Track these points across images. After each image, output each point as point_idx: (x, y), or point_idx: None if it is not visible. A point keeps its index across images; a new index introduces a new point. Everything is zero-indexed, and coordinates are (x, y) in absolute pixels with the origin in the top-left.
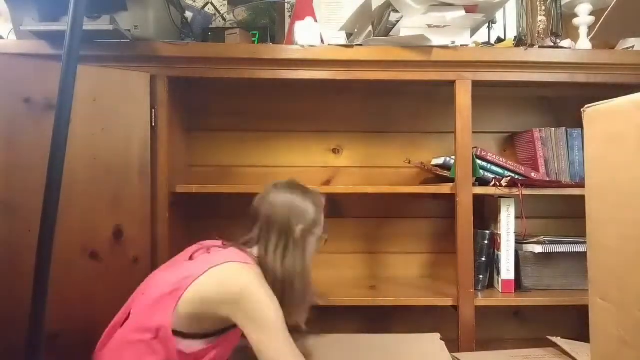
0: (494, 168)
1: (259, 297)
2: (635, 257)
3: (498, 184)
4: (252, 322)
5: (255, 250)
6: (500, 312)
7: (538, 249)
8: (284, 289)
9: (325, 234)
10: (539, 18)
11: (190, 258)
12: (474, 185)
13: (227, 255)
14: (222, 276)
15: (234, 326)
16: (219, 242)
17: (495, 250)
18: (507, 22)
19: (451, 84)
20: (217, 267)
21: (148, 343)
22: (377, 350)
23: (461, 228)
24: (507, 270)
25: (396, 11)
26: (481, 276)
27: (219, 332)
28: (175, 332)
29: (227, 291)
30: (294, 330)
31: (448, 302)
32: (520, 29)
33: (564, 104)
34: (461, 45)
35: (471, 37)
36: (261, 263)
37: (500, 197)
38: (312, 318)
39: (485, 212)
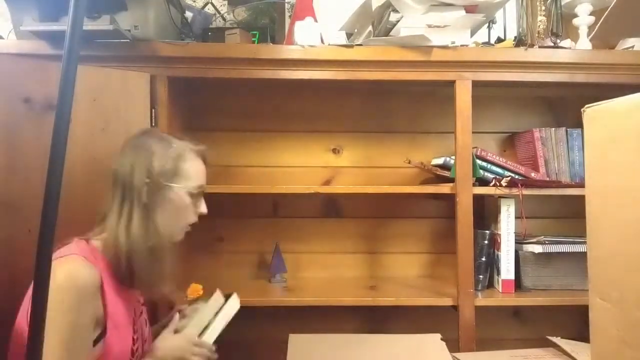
0: (494, 168)
1: (53, 296)
2: (635, 257)
3: (498, 184)
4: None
5: (105, 228)
6: (500, 312)
7: (538, 249)
8: (131, 266)
9: (200, 187)
10: (539, 18)
11: None
12: (474, 185)
13: (56, 253)
14: None
15: (103, 332)
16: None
17: (495, 250)
18: (507, 22)
19: (451, 84)
20: None
21: None
22: (377, 351)
23: (461, 228)
24: (507, 270)
25: (396, 11)
26: (481, 276)
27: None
28: None
29: None
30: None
31: (448, 302)
32: (520, 29)
33: (564, 104)
34: (461, 45)
35: (471, 37)
36: (107, 240)
37: (500, 197)
38: (312, 318)
39: (485, 212)
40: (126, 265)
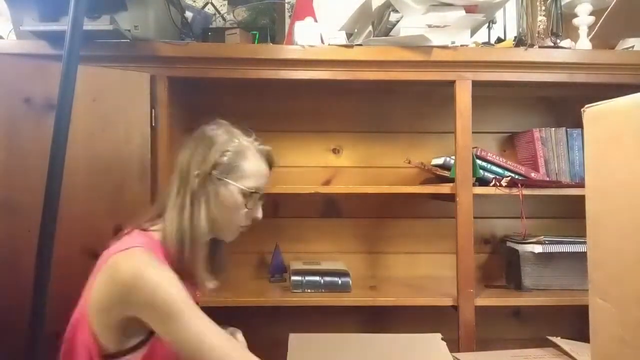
0: (494, 168)
1: (150, 280)
2: (635, 257)
3: (498, 184)
4: (154, 312)
5: (165, 219)
6: (500, 312)
7: (538, 249)
8: (182, 252)
9: (258, 189)
10: (539, 18)
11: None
12: (474, 185)
13: (118, 246)
14: (109, 273)
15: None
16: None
17: None
18: (507, 22)
19: (451, 84)
20: (105, 265)
21: None
22: (377, 350)
23: (461, 228)
24: None
25: (396, 11)
26: None
27: (145, 339)
28: (108, 356)
29: (117, 288)
30: None
31: (448, 302)
32: (520, 29)
33: (564, 104)
34: (461, 45)
35: (471, 37)
36: (167, 230)
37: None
38: (312, 318)
39: None
40: (188, 255)
